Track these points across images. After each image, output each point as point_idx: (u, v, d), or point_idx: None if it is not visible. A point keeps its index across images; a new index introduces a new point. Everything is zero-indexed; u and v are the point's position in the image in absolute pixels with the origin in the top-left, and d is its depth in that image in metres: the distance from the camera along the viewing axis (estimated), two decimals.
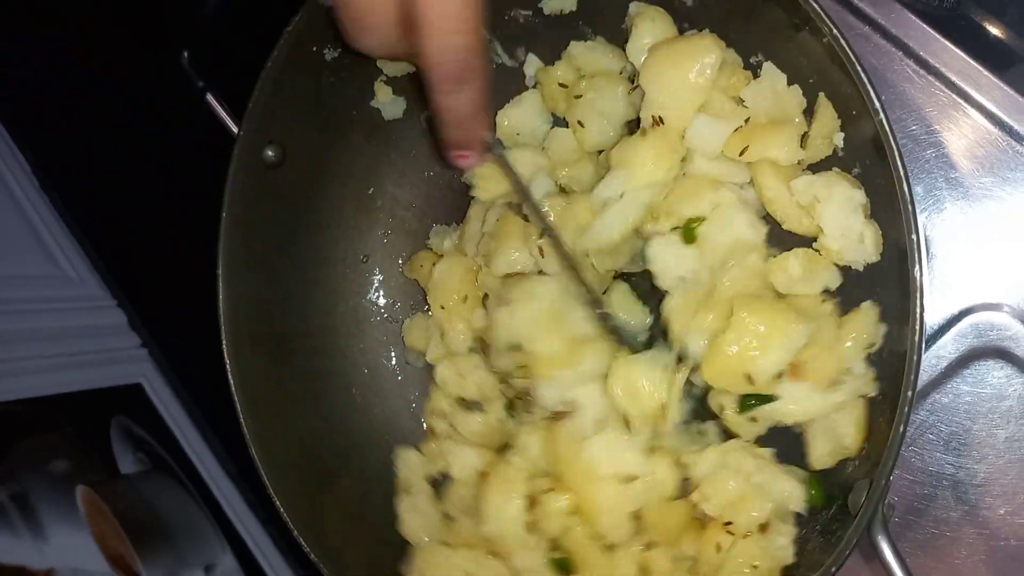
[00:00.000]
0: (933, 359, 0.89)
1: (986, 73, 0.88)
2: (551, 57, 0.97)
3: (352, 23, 0.67)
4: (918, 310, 0.66)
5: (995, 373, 0.89)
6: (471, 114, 0.71)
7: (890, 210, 0.70)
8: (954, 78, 0.89)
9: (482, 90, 0.69)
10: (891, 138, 0.66)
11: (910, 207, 0.66)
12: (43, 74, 1.37)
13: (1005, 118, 0.88)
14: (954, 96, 0.89)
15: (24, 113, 1.35)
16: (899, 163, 0.66)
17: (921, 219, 0.89)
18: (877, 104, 0.67)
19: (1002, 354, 0.88)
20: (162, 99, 1.01)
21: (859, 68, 0.68)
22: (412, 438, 1.04)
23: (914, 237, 0.66)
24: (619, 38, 0.92)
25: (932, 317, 0.90)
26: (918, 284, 0.66)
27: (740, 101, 0.81)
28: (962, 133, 0.89)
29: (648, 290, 0.90)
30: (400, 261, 1.08)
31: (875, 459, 0.71)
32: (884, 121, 0.67)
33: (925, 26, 0.89)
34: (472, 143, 0.76)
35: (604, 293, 0.92)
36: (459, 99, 0.68)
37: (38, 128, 1.36)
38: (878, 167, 0.72)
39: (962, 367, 0.89)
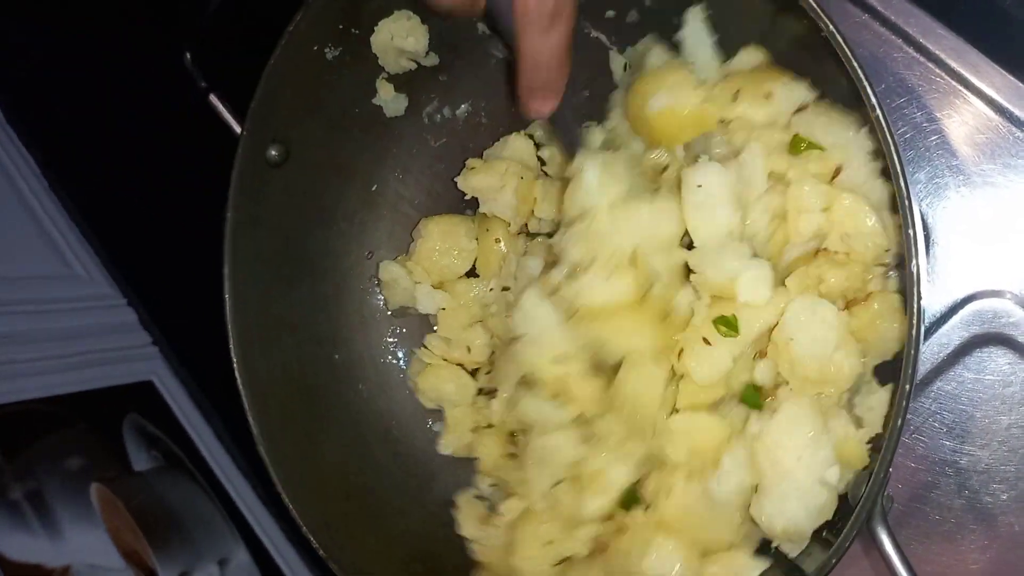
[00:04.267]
0: (936, 347, 0.89)
1: (986, 59, 0.88)
2: None
3: None
4: (916, 305, 0.66)
5: (998, 360, 0.89)
6: (559, 56, 0.69)
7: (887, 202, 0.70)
8: (954, 64, 0.89)
9: (571, 31, 0.67)
10: (888, 135, 0.66)
11: (907, 200, 0.66)
12: (50, 76, 1.38)
13: (1006, 104, 0.88)
14: (954, 83, 0.89)
15: (32, 114, 1.36)
16: (897, 162, 0.66)
17: (923, 207, 0.90)
18: (874, 99, 0.67)
19: (1005, 341, 0.88)
20: (166, 100, 1.02)
21: (855, 63, 0.68)
22: (419, 433, 1.05)
23: (911, 232, 0.66)
24: (621, 33, 0.93)
25: (935, 305, 0.90)
26: (915, 279, 0.66)
27: None
28: (963, 120, 0.89)
29: None
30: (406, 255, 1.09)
31: (874, 450, 0.71)
32: (881, 117, 0.66)
33: (924, 13, 0.89)
34: (554, 87, 0.73)
35: None
36: (549, 40, 0.66)
37: (46, 129, 1.36)
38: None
39: (965, 354, 0.89)
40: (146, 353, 1.33)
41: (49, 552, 1.05)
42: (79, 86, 1.37)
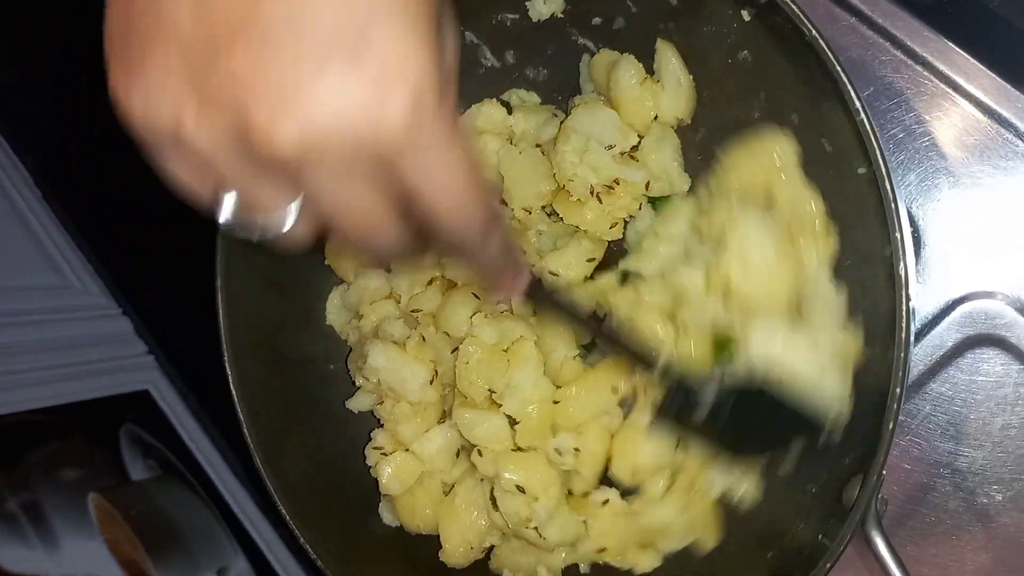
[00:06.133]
0: (928, 348, 0.89)
1: (973, 61, 0.88)
2: (538, 59, 0.98)
3: (359, 247, 0.63)
4: (905, 308, 0.66)
5: (991, 361, 0.89)
6: (505, 251, 0.67)
7: (875, 206, 0.70)
8: (942, 67, 0.89)
9: (504, 230, 0.66)
10: (872, 137, 0.66)
11: (893, 204, 0.66)
12: (43, 86, 1.38)
13: (994, 106, 0.88)
14: (942, 85, 0.89)
15: (25, 124, 1.36)
16: (880, 159, 0.66)
17: (914, 208, 0.90)
18: (857, 104, 0.67)
19: (998, 342, 0.89)
20: None
21: (837, 65, 0.68)
22: None
23: (898, 235, 0.66)
24: (608, 40, 0.93)
25: (926, 306, 0.90)
26: (904, 281, 0.66)
27: None
28: (952, 122, 0.89)
29: None
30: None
31: (867, 454, 0.71)
32: (865, 120, 0.67)
33: (911, 16, 0.89)
34: (513, 272, 0.73)
35: None
36: (491, 247, 0.66)
37: (40, 139, 1.36)
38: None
39: (958, 356, 0.89)
40: (142, 363, 1.33)
41: (46, 563, 1.05)
42: (72, 97, 1.37)
